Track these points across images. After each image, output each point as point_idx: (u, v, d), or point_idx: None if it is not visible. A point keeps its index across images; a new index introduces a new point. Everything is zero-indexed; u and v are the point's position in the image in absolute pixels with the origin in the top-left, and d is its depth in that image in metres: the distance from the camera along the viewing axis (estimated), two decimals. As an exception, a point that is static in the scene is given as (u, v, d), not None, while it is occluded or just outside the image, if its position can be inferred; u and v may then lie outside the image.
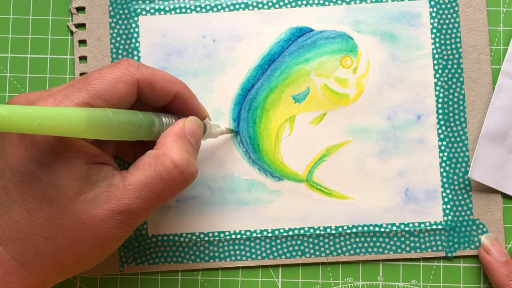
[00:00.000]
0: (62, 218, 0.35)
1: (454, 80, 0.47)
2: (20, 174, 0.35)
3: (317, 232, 0.46)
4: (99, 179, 0.36)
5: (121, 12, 0.48)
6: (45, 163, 0.35)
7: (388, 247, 0.46)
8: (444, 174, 0.46)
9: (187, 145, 0.39)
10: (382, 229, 0.46)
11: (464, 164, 0.46)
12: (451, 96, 0.47)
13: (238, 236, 0.46)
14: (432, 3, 0.47)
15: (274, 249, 0.46)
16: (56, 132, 0.31)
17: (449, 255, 0.46)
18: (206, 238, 0.46)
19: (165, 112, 0.42)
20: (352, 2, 0.47)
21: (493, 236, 0.46)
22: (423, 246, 0.46)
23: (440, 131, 0.47)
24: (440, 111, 0.47)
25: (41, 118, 0.31)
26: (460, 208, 0.46)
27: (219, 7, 0.47)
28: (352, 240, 0.46)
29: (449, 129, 0.47)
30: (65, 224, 0.35)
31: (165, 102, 0.40)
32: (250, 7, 0.47)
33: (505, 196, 0.46)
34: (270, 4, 0.47)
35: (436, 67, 0.47)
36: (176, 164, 0.37)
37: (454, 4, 0.47)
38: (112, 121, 0.35)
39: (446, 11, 0.47)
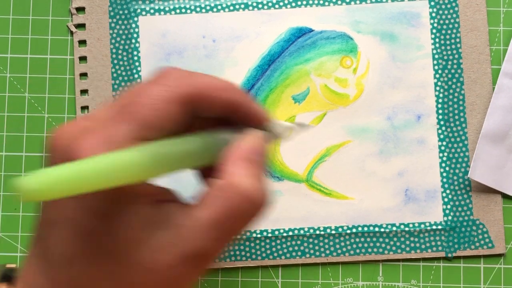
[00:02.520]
0: (127, 271, 0.31)
1: (454, 80, 0.47)
2: (76, 226, 0.30)
3: (317, 232, 0.46)
4: (162, 220, 0.31)
5: (121, 12, 0.48)
6: (104, 213, 0.30)
7: (388, 247, 0.46)
8: (444, 174, 0.46)
9: (254, 168, 0.33)
10: (382, 229, 0.46)
11: (464, 164, 0.46)
12: (451, 96, 0.47)
13: (238, 236, 0.46)
14: (432, 3, 0.47)
15: (274, 249, 0.46)
16: (119, 183, 0.28)
17: (449, 255, 0.46)
18: (206, 238, 0.46)
19: (219, 120, 0.35)
20: (352, 3, 0.47)
21: None
22: (423, 246, 0.46)
23: (440, 131, 0.47)
24: (440, 111, 0.47)
25: (105, 176, 0.26)
26: (460, 208, 0.46)
27: (219, 7, 0.47)
28: (352, 240, 0.46)
29: (449, 129, 0.47)
30: (130, 277, 0.31)
31: (220, 113, 0.34)
32: (250, 7, 0.47)
33: (505, 196, 0.46)
34: (270, 4, 0.47)
35: (436, 67, 0.47)
36: (246, 195, 0.31)
37: (454, 4, 0.47)
38: (174, 154, 0.30)
39: (446, 12, 0.47)
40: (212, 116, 0.34)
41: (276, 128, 0.37)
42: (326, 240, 0.46)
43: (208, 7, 0.48)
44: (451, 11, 0.47)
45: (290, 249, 0.46)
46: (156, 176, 0.30)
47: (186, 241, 0.31)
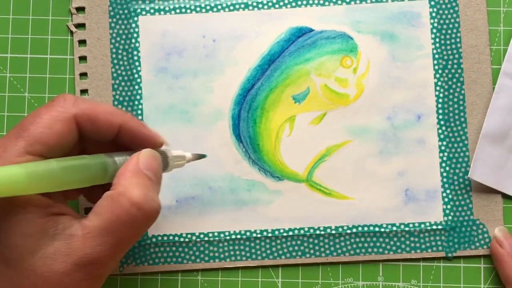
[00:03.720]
0: (22, 278, 0.33)
1: (454, 80, 0.47)
2: None
3: (317, 232, 0.46)
4: (57, 231, 0.34)
5: (121, 12, 0.48)
6: None
7: (388, 247, 0.46)
8: (444, 174, 0.46)
9: (144, 180, 0.36)
10: (382, 229, 0.46)
11: (464, 164, 0.46)
12: (451, 96, 0.47)
13: (238, 236, 0.46)
14: (432, 3, 0.47)
15: (274, 249, 0.46)
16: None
17: (449, 255, 0.46)
18: (206, 238, 0.46)
19: (118, 149, 0.39)
20: (352, 2, 0.47)
21: (506, 229, 0.46)
22: (423, 246, 0.46)
23: (440, 131, 0.47)
24: (440, 111, 0.47)
25: None
26: (460, 208, 0.46)
27: (219, 7, 0.47)
28: (352, 240, 0.46)
29: (449, 129, 0.47)
30: (26, 284, 0.33)
31: (110, 136, 0.38)
32: (250, 7, 0.47)
33: (505, 196, 0.46)
34: (270, 4, 0.47)
35: (436, 67, 0.47)
36: (134, 202, 0.35)
37: (454, 4, 0.47)
38: (56, 171, 0.33)
39: (446, 11, 0.47)
40: (107, 141, 0.38)
41: (170, 153, 0.40)
42: (326, 240, 0.46)
43: (208, 7, 0.47)
44: (451, 11, 0.47)
45: (290, 249, 0.46)
46: (38, 190, 0.32)
47: (78, 249, 0.34)
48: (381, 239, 0.46)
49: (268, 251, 0.46)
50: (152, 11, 0.48)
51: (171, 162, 0.41)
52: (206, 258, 0.46)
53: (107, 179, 0.37)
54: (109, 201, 0.35)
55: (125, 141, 0.39)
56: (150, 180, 0.37)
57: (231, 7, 0.47)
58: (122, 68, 0.47)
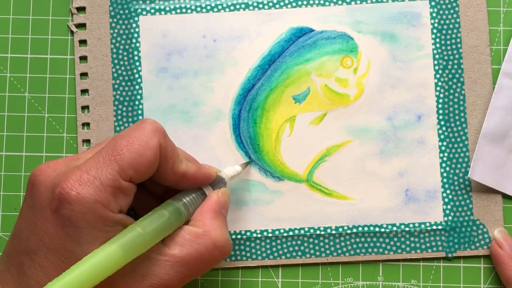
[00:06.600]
0: None
1: (455, 80, 0.47)
2: (57, 252, 0.34)
3: (317, 232, 0.46)
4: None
5: (121, 12, 0.47)
6: (84, 241, 0.34)
7: (388, 247, 0.46)
8: (444, 174, 0.46)
9: (223, 221, 0.40)
10: (382, 229, 0.46)
11: (464, 165, 0.46)
12: (451, 97, 0.47)
13: (238, 236, 0.46)
14: (433, 3, 0.47)
15: (274, 249, 0.46)
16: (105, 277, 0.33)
17: (449, 255, 0.46)
18: (207, 238, 0.46)
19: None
20: (353, 3, 0.47)
21: (506, 231, 0.46)
22: (423, 246, 0.46)
23: (440, 131, 0.47)
24: (441, 111, 0.47)
25: (92, 281, 0.32)
26: (460, 209, 0.46)
27: (220, 7, 0.47)
28: (352, 240, 0.46)
29: (449, 130, 0.47)
30: None
31: (167, 181, 0.40)
32: (251, 7, 0.47)
33: (505, 196, 0.46)
34: (270, 4, 0.47)
35: (437, 67, 0.47)
36: (218, 245, 0.38)
37: (454, 4, 0.47)
38: (147, 240, 0.36)
39: (446, 12, 0.47)
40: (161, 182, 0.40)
41: (228, 178, 0.43)
42: (326, 240, 0.46)
43: (208, 7, 0.47)
44: (452, 11, 0.47)
45: (290, 249, 0.46)
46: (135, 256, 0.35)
47: (156, 273, 0.36)
48: (381, 239, 0.46)
49: (268, 251, 0.46)
50: (152, 11, 0.47)
51: (228, 184, 0.43)
52: (206, 258, 0.46)
53: (183, 223, 0.39)
54: (194, 237, 0.38)
55: (185, 184, 0.40)
56: (225, 219, 0.40)
57: (232, 7, 0.47)
58: (123, 68, 0.47)
